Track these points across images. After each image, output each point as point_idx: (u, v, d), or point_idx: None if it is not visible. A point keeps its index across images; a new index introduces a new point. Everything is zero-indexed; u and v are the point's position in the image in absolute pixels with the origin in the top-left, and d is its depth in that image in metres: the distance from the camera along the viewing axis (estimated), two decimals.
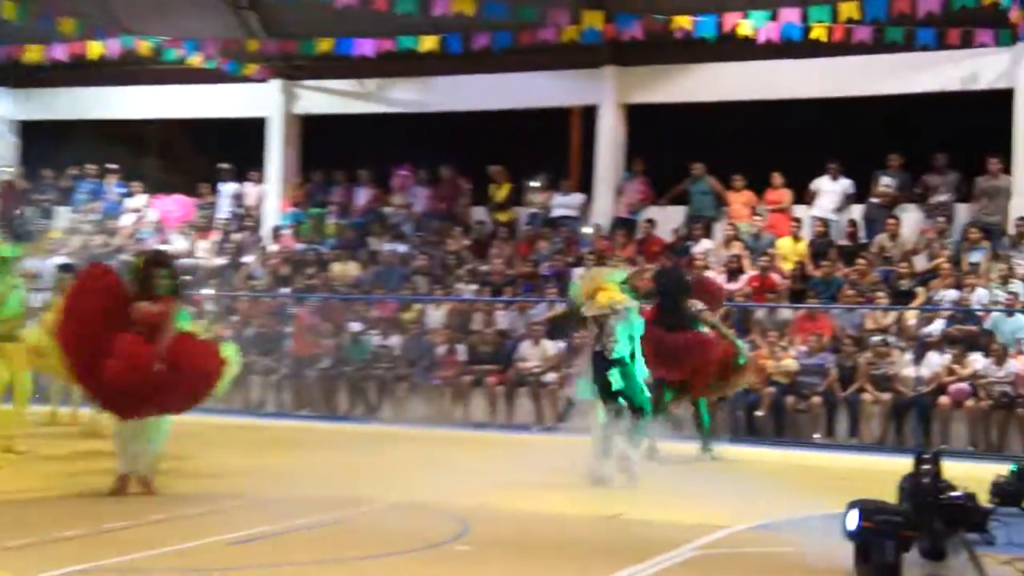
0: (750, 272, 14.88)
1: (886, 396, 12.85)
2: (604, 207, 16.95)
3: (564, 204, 17.06)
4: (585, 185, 17.36)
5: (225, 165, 18.96)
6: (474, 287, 16.13)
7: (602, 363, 8.81)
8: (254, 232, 18.63)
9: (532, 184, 17.37)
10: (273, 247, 17.98)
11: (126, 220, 19.22)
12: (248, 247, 18.29)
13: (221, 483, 8.61)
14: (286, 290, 16.96)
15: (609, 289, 9.09)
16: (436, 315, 15.78)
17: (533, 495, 8.27)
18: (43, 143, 19.74)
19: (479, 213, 17.72)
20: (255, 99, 18.75)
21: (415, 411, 14.62)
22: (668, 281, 10.93)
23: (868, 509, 5.40)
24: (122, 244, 18.29)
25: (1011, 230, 14.35)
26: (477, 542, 6.62)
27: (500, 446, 11.65)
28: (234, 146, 18.94)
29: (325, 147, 18.72)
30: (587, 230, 16.66)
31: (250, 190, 19.21)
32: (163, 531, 6.68)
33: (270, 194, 18.94)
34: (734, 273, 14.88)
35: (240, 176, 19.08)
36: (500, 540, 6.77)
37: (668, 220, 16.29)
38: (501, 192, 17.37)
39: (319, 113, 18.64)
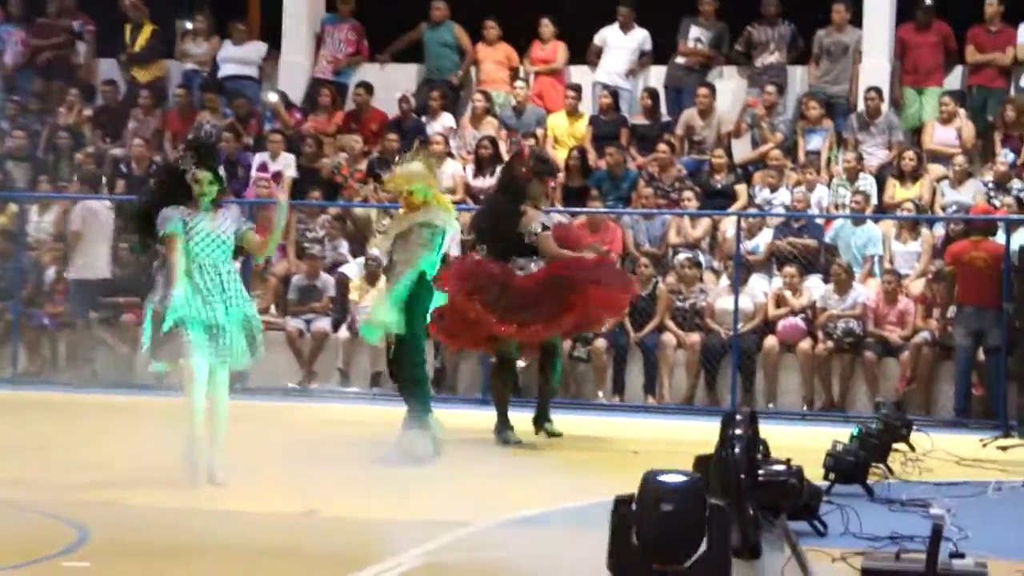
0: None
1: (694, 337, 13.50)
2: (296, 64, 16.88)
3: (236, 58, 16.87)
4: (269, 31, 17.18)
5: None
6: (101, 179, 15.75)
7: None
8: None
9: (186, 26, 17.03)
10: None
11: None
12: None
13: None
14: None
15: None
16: (42, 222, 15.34)
17: (189, 487, 8.25)
18: None
19: (107, 68, 17.28)
20: None
21: (10, 365, 14.26)
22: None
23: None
24: None
25: (860, 104, 15.25)
26: (97, 554, 6.60)
27: (144, 414, 11.49)
28: None
29: None
30: (271, 97, 16.51)
31: None
32: None
33: None
34: (486, 163, 15.15)
35: None
36: (133, 550, 6.75)
37: (391, 84, 16.36)
38: (141, 37, 16.96)
39: None
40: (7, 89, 17.07)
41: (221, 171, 8.70)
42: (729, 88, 15.89)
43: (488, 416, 11.66)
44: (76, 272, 14.50)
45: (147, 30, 16.93)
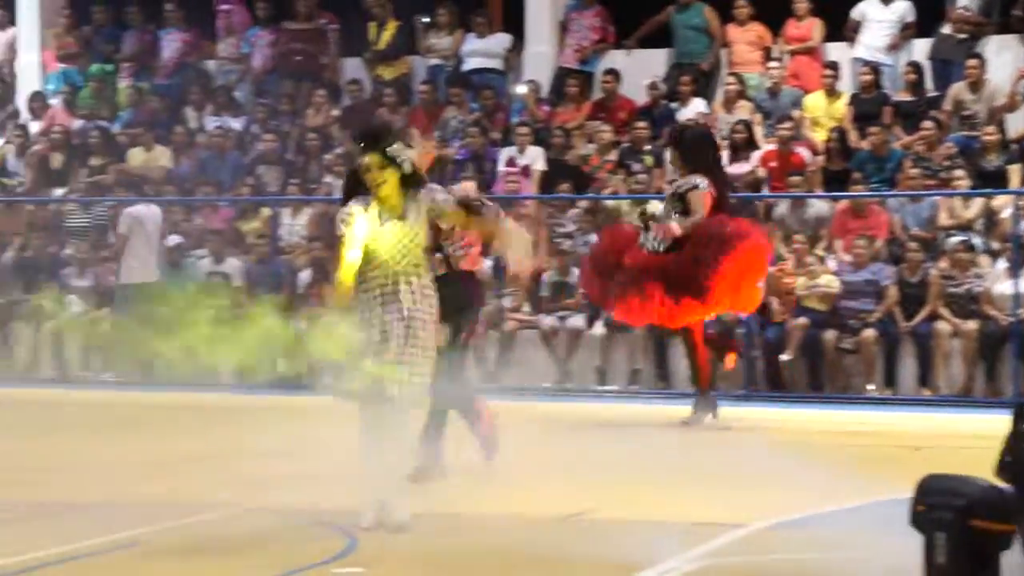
0: (765, 146, 15.03)
1: (970, 325, 13.17)
2: (542, 54, 16.96)
3: (480, 51, 17.06)
4: (512, 21, 17.30)
5: None
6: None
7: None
8: (3, 103, 18.32)
9: (428, 21, 17.28)
10: (35, 125, 17.72)
11: None
12: None
13: None
14: (60, 191, 16.75)
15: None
16: (295, 225, 15.76)
17: (451, 489, 8.36)
18: None
19: (353, 68, 17.63)
20: None
21: (270, 369, 14.61)
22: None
23: (925, 489, 5.55)
24: None
25: None
26: (369, 561, 6.69)
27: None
28: None
29: None
30: (520, 89, 16.65)
31: None
32: None
33: (25, 43, 18.63)
34: (741, 148, 15.03)
35: None
36: (402, 556, 6.85)
37: (640, 70, 16.33)
38: (385, 34, 17.27)
39: None
40: (257, 92, 17.60)
41: (398, 151, 7.33)
42: (1001, 58, 15.43)
43: (752, 413, 11.60)
44: (124, 276, 14.96)
45: (391, 27, 17.25)
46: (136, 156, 16.96)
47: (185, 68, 18.08)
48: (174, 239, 15.64)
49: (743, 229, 11.07)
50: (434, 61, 17.28)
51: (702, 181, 11.07)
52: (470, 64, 17.08)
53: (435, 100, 16.85)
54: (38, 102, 17.92)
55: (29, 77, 18.51)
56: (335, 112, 17.08)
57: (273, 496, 8.21)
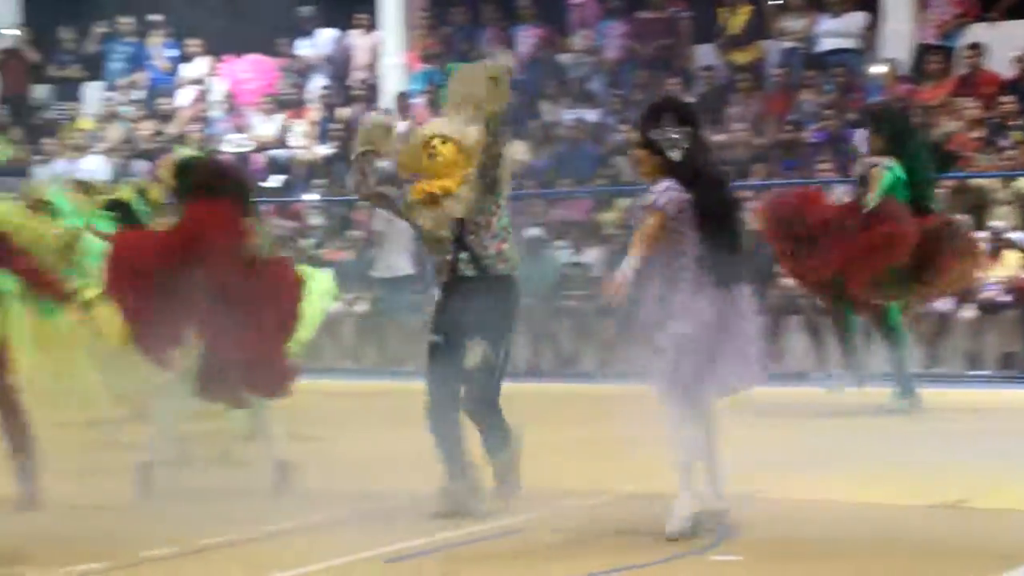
0: None
1: None
2: (900, 31, 16.66)
3: (836, 31, 16.86)
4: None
5: (310, 6, 19.33)
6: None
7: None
8: (370, 104, 18.95)
9: (779, 3, 17.12)
10: (401, 124, 18.26)
11: (184, 97, 19.86)
12: None
13: (356, 474, 8.86)
14: None
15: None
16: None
17: (828, 476, 8.26)
18: None
19: (705, 54, 17.63)
20: None
21: (634, 360, 14.69)
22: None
23: None
24: (182, 132, 18.95)
25: None
26: (745, 548, 6.66)
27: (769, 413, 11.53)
28: None
29: None
30: (877, 69, 16.35)
31: (357, 41, 19.55)
32: (286, 546, 6.99)
33: (388, 45, 19.26)
34: None
35: (340, 21, 19.42)
36: (779, 545, 6.79)
37: (1006, 43, 15.87)
38: (737, 19, 17.21)
39: None
40: (611, 84, 17.77)
41: (663, 135, 6.58)
42: None
43: None
44: (379, 271, 15.54)
45: (743, 11, 17.22)
46: None
47: (539, 62, 18.39)
48: (533, 231, 15.90)
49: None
50: (787, 44, 17.14)
51: (884, 161, 10.92)
52: (824, 45, 16.89)
53: (790, 83, 16.69)
54: (403, 102, 18.49)
55: (394, 78, 19.12)
56: (690, 99, 17.09)
57: (653, 483, 8.20)
